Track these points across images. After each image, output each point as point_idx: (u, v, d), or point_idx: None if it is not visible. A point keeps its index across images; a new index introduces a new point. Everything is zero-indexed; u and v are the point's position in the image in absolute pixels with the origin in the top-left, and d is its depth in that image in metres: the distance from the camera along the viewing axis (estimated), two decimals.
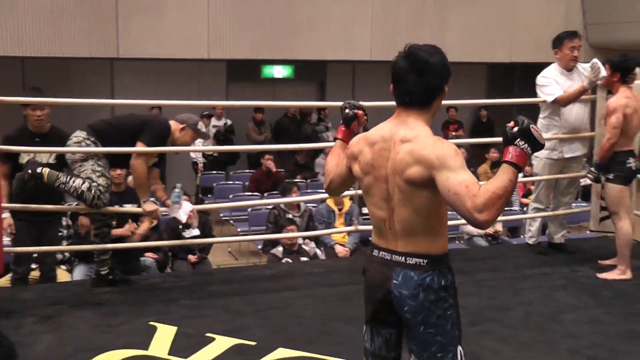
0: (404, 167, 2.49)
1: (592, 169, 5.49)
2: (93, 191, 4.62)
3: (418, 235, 2.54)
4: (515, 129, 2.39)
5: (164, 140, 4.93)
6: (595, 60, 5.48)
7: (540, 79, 5.76)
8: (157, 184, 5.13)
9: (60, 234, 6.29)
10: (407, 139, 2.51)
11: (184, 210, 5.04)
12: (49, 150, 5.11)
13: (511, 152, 2.38)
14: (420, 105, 2.57)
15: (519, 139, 2.38)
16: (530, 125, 2.39)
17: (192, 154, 11.40)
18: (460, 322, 2.66)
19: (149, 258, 6.83)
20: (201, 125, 4.72)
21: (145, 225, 6.50)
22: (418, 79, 2.53)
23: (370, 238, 2.83)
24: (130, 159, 4.75)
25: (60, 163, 5.27)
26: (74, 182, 4.63)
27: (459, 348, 2.64)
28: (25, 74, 11.73)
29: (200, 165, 11.54)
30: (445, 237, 2.61)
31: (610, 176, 5.33)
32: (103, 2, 10.47)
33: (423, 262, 2.53)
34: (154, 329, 4.27)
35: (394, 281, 2.55)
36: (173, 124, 4.93)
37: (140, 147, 4.73)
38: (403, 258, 2.55)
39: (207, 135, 5.05)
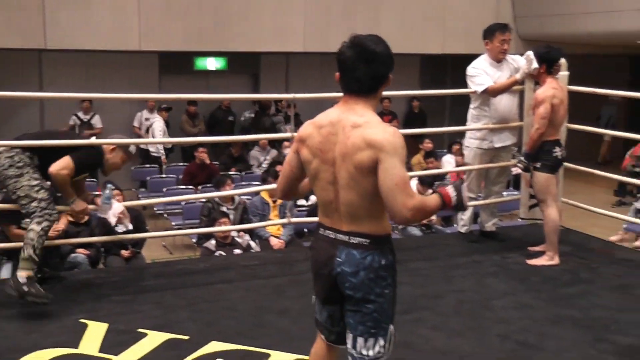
0: (355, 150, 2.58)
1: (522, 158, 5.60)
2: (43, 224, 4.38)
3: (362, 217, 2.66)
4: (454, 191, 2.75)
5: (95, 167, 4.89)
6: (529, 52, 5.58)
7: (470, 69, 5.84)
8: (82, 183, 4.97)
9: None
10: (358, 124, 2.61)
11: (114, 211, 4.97)
12: None
13: (446, 191, 2.74)
14: (367, 93, 2.68)
15: (454, 191, 2.74)
16: (462, 191, 2.77)
17: (152, 148, 11.35)
18: (395, 302, 2.80)
19: (80, 254, 6.68)
20: (132, 148, 4.72)
21: (63, 221, 6.24)
22: (365, 68, 2.64)
23: (305, 229, 2.88)
24: (50, 168, 4.46)
25: None
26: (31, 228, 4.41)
27: (391, 327, 2.77)
28: None
29: (163, 157, 11.46)
30: (387, 219, 2.72)
31: (538, 165, 5.45)
32: None
33: (365, 242, 2.65)
34: (85, 326, 4.17)
35: (338, 259, 2.67)
36: (104, 147, 4.79)
37: (66, 161, 4.48)
38: (347, 237, 2.67)
39: (136, 157, 4.91)
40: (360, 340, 2.71)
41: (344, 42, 2.71)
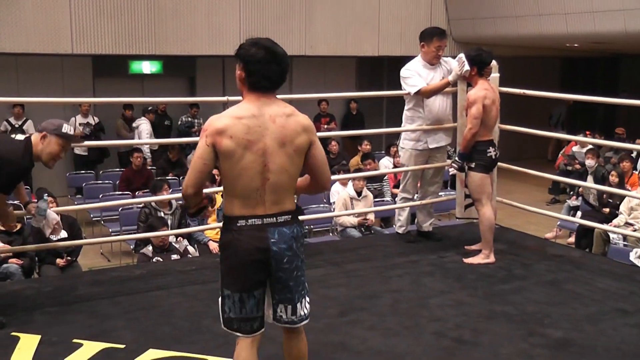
0: (295, 136, 2.95)
1: (456, 158, 5.68)
2: None
3: (285, 198, 3.01)
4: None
5: (25, 173, 4.38)
6: (461, 54, 5.66)
7: (403, 71, 5.90)
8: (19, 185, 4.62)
9: None
10: (289, 113, 2.98)
11: (49, 222, 4.67)
12: None
13: None
14: (274, 89, 3.01)
15: None
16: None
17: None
18: None
19: (13, 264, 6.51)
20: (67, 128, 4.25)
21: None
22: (276, 67, 2.95)
23: (228, 215, 3.02)
24: None
25: None
26: None
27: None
28: None
29: (149, 160, 11.46)
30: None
31: (472, 165, 5.55)
32: None
33: (289, 218, 3.01)
34: (16, 339, 4.06)
35: (272, 239, 2.95)
36: (33, 137, 4.29)
37: None
38: (274, 219, 2.97)
39: (76, 137, 4.50)
40: (299, 305, 3.09)
41: (245, 45, 2.98)
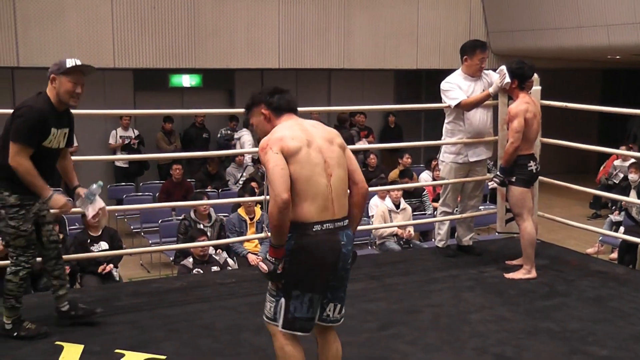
0: (334, 136, 3.35)
1: (498, 172, 5.63)
2: (20, 273, 4.19)
3: (344, 198, 3.28)
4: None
5: (43, 118, 4.04)
6: (503, 67, 5.62)
7: (444, 84, 5.88)
8: (67, 163, 4.48)
9: None
10: (315, 124, 3.37)
11: (94, 206, 4.42)
12: None
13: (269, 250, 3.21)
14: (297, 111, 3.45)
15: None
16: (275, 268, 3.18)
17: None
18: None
19: None
20: (71, 62, 4.13)
21: None
22: (289, 96, 3.45)
23: (300, 221, 3.15)
24: (9, 159, 4.00)
25: None
26: (9, 279, 4.20)
27: None
28: None
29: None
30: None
31: (513, 179, 5.49)
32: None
33: (347, 221, 3.28)
34: (60, 348, 4.11)
35: (342, 242, 3.21)
36: (48, 89, 4.15)
37: (12, 146, 3.99)
38: (342, 222, 3.24)
39: (88, 67, 4.20)
40: (340, 306, 3.37)
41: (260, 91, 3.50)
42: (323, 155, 3.22)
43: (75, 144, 11.22)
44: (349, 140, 12.58)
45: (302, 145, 3.19)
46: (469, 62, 5.83)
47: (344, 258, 3.23)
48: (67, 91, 4.08)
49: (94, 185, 4.37)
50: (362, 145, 12.64)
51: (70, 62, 4.11)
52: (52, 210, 4.37)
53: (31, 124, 3.99)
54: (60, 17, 10.48)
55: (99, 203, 4.41)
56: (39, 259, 4.40)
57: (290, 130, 3.25)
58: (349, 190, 3.36)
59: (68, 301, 4.47)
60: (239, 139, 12.42)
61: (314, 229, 3.15)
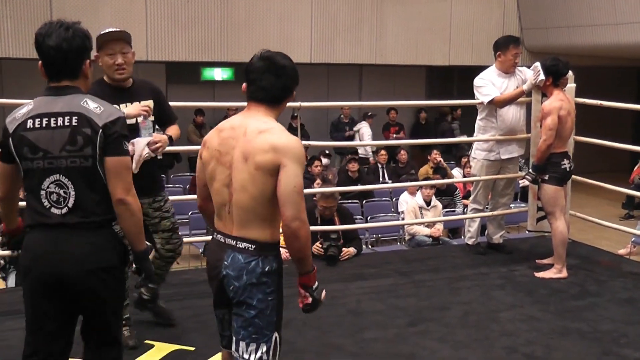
0: (257, 152, 2.67)
1: (530, 170, 5.58)
2: None
3: (251, 222, 2.72)
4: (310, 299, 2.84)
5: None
6: (537, 63, 5.57)
7: (477, 80, 5.84)
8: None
9: None
10: (263, 129, 2.71)
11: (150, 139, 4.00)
12: None
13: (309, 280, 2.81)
14: (272, 102, 2.81)
15: (313, 289, 2.83)
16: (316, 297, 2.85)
17: (361, 150, 12.20)
18: (281, 309, 2.85)
19: None
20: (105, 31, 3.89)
21: None
22: (274, 79, 2.78)
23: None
24: None
25: None
26: None
27: (275, 334, 2.82)
28: None
29: (371, 159, 12.14)
30: (277, 227, 2.81)
31: (546, 177, 5.44)
32: (36, 2, 10.23)
33: (251, 247, 2.72)
34: None
35: (225, 262, 2.74)
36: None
37: None
38: (234, 242, 2.74)
39: (118, 32, 3.91)
40: (242, 344, 2.77)
41: (254, 56, 2.84)
42: (231, 172, 2.73)
43: None
44: (449, 133, 13.06)
45: (211, 159, 2.80)
46: (502, 58, 5.78)
47: (224, 280, 2.75)
48: (107, 64, 3.85)
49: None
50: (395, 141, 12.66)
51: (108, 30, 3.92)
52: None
53: None
54: (95, 11, 10.58)
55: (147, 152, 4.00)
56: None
57: (218, 133, 2.84)
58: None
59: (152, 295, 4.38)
60: (357, 130, 12.82)
61: (213, 235, 2.87)
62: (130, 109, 3.87)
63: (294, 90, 2.86)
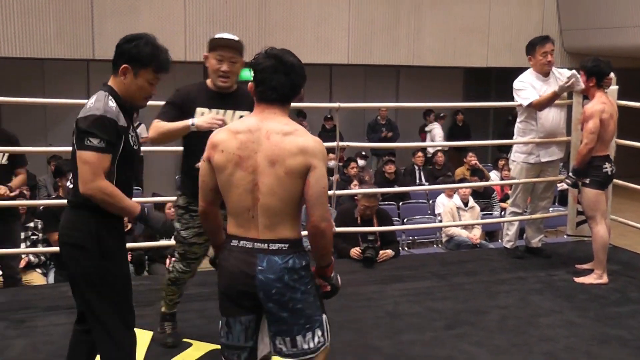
0: (286, 156, 2.65)
1: (570, 174, 5.51)
2: (169, 276, 4.15)
3: (280, 223, 2.71)
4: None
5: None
6: (574, 71, 5.51)
7: (516, 83, 5.79)
8: None
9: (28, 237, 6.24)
10: (288, 131, 2.69)
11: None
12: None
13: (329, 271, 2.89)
14: (283, 102, 2.77)
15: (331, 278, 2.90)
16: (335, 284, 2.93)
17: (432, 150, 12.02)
18: (319, 292, 2.89)
19: None
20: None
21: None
22: (284, 78, 2.74)
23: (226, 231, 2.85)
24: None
25: (12, 164, 5.31)
26: None
27: (324, 315, 2.86)
28: None
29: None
30: (300, 222, 2.81)
31: (587, 181, 5.36)
32: (77, 3, 10.38)
33: (284, 247, 2.71)
34: None
35: (259, 267, 2.69)
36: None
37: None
38: (266, 245, 2.70)
39: (231, 40, 3.97)
40: (299, 338, 2.79)
41: (258, 55, 2.81)
42: (255, 177, 2.68)
43: (145, 134, 11.52)
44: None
45: (228, 164, 2.71)
46: (533, 60, 5.76)
47: (262, 286, 2.69)
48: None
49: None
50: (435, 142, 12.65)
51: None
52: None
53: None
54: (134, 11, 10.70)
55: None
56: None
57: (233, 135, 2.73)
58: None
59: None
60: (430, 131, 13.06)
61: (232, 243, 2.77)
62: (201, 120, 3.72)
63: (302, 87, 2.83)
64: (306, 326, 2.78)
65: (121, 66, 2.99)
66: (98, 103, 2.91)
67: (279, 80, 2.73)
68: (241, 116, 3.74)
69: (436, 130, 13.05)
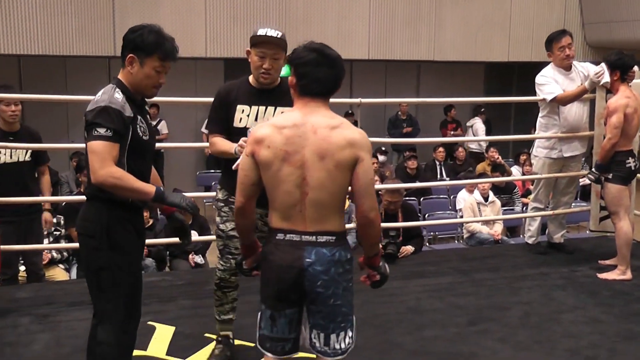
0: (336, 150, 2.66)
1: (593, 169, 5.47)
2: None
3: (327, 216, 2.73)
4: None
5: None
6: (603, 65, 5.46)
7: (539, 78, 5.74)
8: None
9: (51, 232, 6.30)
10: (335, 125, 2.70)
11: None
12: (24, 147, 5.23)
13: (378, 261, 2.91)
14: (325, 95, 2.77)
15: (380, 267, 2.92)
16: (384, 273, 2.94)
17: (473, 145, 12.55)
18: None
19: (147, 258, 6.78)
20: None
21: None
22: (329, 71, 2.73)
23: (269, 225, 2.83)
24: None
25: (35, 160, 5.35)
26: None
27: (354, 316, 2.87)
28: (22, 71, 11.69)
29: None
30: (344, 215, 2.84)
31: (610, 176, 5.32)
32: (98, 1, 10.44)
33: (332, 239, 2.73)
34: (153, 328, 4.24)
35: (307, 259, 2.70)
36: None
37: None
38: (314, 237, 2.71)
39: (275, 37, 3.70)
40: (333, 336, 2.79)
41: (297, 49, 2.78)
42: (303, 172, 2.68)
43: (166, 130, 11.60)
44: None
45: (275, 159, 2.69)
46: (552, 56, 5.73)
47: (310, 278, 2.70)
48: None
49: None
50: (456, 138, 12.58)
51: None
52: None
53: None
54: (155, 7, 10.75)
55: None
56: None
57: (279, 131, 2.71)
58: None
59: None
60: (471, 126, 13.00)
61: (277, 237, 2.76)
62: (236, 146, 3.54)
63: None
64: (341, 325, 2.80)
65: (127, 56, 3.04)
66: (104, 95, 2.95)
67: (324, 73, 2.72)
68: (282, 112, 3.69)
69: (478, 124, 12.95)
